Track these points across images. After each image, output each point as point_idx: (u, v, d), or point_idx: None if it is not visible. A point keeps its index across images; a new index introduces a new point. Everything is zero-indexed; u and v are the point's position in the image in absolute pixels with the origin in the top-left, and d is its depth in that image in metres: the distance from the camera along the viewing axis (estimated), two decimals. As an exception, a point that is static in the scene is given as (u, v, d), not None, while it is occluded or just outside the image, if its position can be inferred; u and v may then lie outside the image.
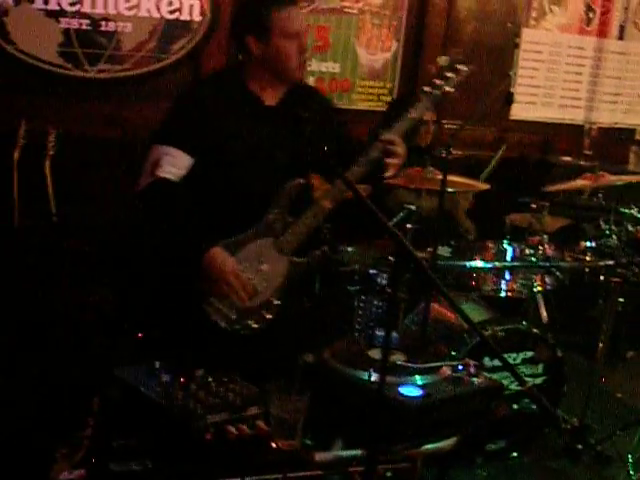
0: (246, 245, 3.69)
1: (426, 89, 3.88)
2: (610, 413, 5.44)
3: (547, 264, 4.99)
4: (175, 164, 3.65)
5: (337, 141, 3.94)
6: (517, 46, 6.50)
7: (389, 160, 3.78)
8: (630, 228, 5.14)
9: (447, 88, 3.90)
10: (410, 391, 3.04)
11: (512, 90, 6.38)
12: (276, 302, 3.70)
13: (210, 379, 2.99)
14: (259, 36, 3.73)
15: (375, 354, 3.26)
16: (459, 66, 3.93)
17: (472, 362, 3.25)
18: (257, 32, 3.73)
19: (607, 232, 5.20)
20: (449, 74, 3.90)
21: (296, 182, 3.75)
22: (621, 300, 5.39)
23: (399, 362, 3.21)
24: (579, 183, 5.30)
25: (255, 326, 3.66)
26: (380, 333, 3.28)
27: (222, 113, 3.76)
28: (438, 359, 3.29)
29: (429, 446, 3.04)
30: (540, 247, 5.02)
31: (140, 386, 2.89)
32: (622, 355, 6.17)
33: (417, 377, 3.13)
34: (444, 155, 4.48)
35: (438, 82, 3.88)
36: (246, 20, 3.80)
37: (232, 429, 2.78)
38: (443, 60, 3.96)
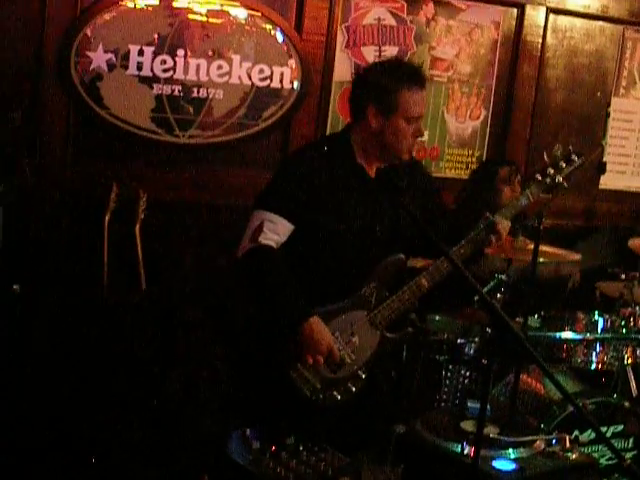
0: (339, 315, 3.65)
1: (538, 177, 3.84)
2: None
3: (638, 336, 4.90)
4: (277, 231, 3.63)
5: (431, 208, 3.93)
6: (608, 115, 6.45)
7: (492, 238, 3.75)
8: None
9: (559, 178, 3.86)
10: (504, 465, 3.01)
11: (604, 160, 6.36)
12: (363, 375, 3.66)
13: (301, 447, 2.98)
14: (381, 110, 3.66)
15: (467, 426, 3.22)
16: (573, 156, 3.89)
17: (567, 436, 3.20)
18: (380, 105, 3.66)
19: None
20: (563, 164, 3.86)
21: (397, 257, 3.72)
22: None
23: (492, 435, 3.17)
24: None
25: (339, 398, 3.62)
26: (472, 404, 3.25)
27: (329, 183, 3.70)
28: (531, 432, 3.24)
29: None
30: (632, 318, 4.93)
31: (233, 454, 2.88)
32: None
33: (511, 451, 3.09)
34: (536, 225, 4.44)
35: (552, 171, 3.84)
36: (373, 89, 3.69)
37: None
38: (557, 149, 3.91)
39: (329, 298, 3.66)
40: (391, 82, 3.66)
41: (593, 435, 4.63)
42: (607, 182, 6.70)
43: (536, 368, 4.95)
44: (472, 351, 4.62)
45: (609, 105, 6.49)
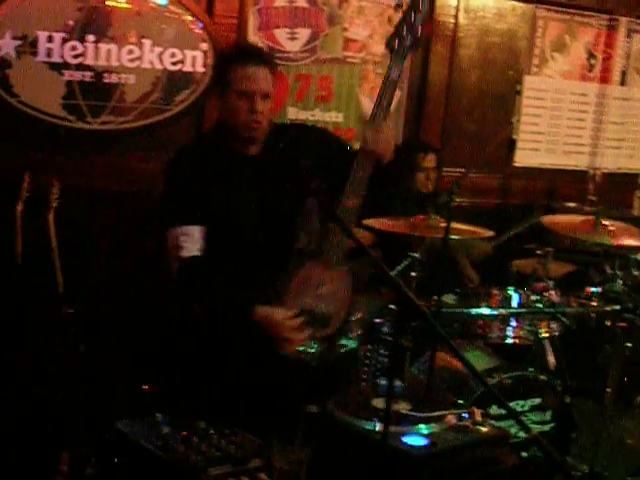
0: (293, 280, 3.65)
1: (397, 43, 3.75)
2: (621, 460, 5.40)
3: (553, 310, 4.96)
4: (193, 239, 3.64)
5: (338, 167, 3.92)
6: (519, 93, 6.51)
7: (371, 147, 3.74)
8: (635, 272, 5.12)
9: (415, 32, 3.76)
10: (415, 440, 3.02)
11: (514, 137, 6.42)
12: (359, 315, 3.67)
13: (212, 431, 2.97)
14: (219, 91, 3.78)
15: (379, 403, 3.23)
16: (420, 4, 3.79)
17: (478, 410, 3.23)
18: (218, 87, 3.79)
19: (612, 277, 5.16)
20: (412, 15, 3.75)
21: (310, 203, 3.73)
22: (629, 345, 5.36)
23: (404, 411, 3.19)
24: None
25: (352, 344, 3.63)
26: (384, 382, 3.26)
27: (212, 175, 3.74)
28: (443, 408, 3.27)
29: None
30: (546, 293, 4.99)
31: (140, 439, 2.87)
32: (631, 400, 6.11)
33: (422, 426, 3.11)
34: (447, 202, 4.46)
35: (404, 31, 3.75)
36: (215, 75, 3.81)
37: (234, 481, 2.75)
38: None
39: (266, 276, 3.65)
40: (225, 62, 3.80)
41: (513, 408, 4.71)
42: (521, 160, 6.78)
43: (455, 345, 5.00)
44: (388, 330, 4.63)
45: (519, 83, 6.55)
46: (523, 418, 4.76)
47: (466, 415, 3.19)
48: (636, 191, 7.05)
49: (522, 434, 4.69)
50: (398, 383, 3.28)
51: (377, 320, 4.66)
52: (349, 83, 6.07)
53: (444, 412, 3.17)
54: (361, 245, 2.79)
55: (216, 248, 3.70)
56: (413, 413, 3.15)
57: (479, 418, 3.18)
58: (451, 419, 3.15)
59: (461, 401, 4.19)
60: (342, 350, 3.65)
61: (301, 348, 3.55)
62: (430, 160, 5.65)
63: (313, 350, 3.56)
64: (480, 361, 4.92)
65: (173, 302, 3.99)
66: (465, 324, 4.99)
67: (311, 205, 3.73)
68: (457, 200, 5.92)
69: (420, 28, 3.79)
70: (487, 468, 3.15)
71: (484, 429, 3.13)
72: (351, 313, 3.72)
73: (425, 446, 2.97)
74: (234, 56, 3.81)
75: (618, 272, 5.18)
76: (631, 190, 7.08)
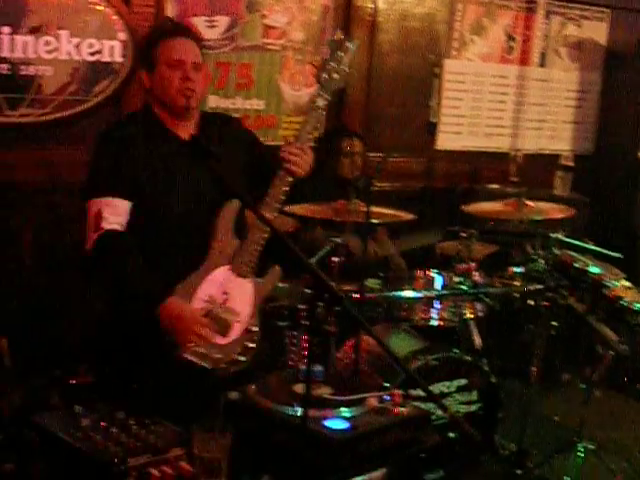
0: (203, 281, 3.63)
1: (324, 76, 3.84)
2: (548, 436, 5.47)
3: (476, 291, 5.01)
4: (117, 212, 3.60)
5: (255, 162, 3.97)
6: (436, 76, 6.54)
7: (294, 169, 3.76)
8: (556, 251, 5.18)
9: (343, 68, 3.85)
10: (336, 424, 3.03)
11: (433, 120, 6.46)
12: (255, 328, 3.66)
13: (131, 421, 2.95)
14: (148, 68, 3.78)
15: (300, 389, 3.23)
16: (347, 44, 3.90)
17: (399, 392, 3.25)
18: (147, 65, 3.79)
19: (534, 257, 5.22)
20: (340, 53, 3.86)
21: (230, 204, 3.72)
22: (554, 324, 5.43)
23: (325, 395, 3.20)
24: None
25: (243, 359, 3.62)
26: (306, 367, 3.26)
27: (144, 152, 3.73)
28: (365, 391, 3.28)
29: (358, 479, 3.02)
30: (469, 274, 5.03)
31: (59, 432, 2.84)
32: (558, 378, 6.20)
33: (343, 410, 3.11)
34: (367, 187, 4.49)
35: (332, 65, 3.84)
36: (140, 56, 3.89)
37: (154, 472, 2.73)
38: (339, 34, 3.95)
39: (185, 267, 3.64)
40: (150, 40, 3.84)
41: (439, 389, 4.74)
42: (443, 143, 6.82)
43: (381, 328, 5.03)
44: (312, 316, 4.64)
45: (437, 66, 6.58)
46: (449, 399, 4.81)
47: (387, 397, 3.20)
48: (557, 171, 7.13)
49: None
50: (319, 368, 3.28)
51: (300, 306, 4.67)
52: (269, 70, 6.06)
53: (365, 395, 3.18)
54: (275, 230, 2.79)
55: (139, 230, 3.67)
56: (334, 397, 3.16)
57: (400, 400, 3.19)
58: (372, 402, 3.16)
59: (388, 384, 4.24)
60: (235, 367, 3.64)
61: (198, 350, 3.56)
62: (356, 145, 5.64)
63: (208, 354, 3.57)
64: (405, 344, 4.95)
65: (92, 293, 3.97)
66: (390, 307, 5.03)
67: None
68: (380, 185, 6.01)
69: (347, 65, 3.88)
70: (408, 449, 3.17)
71: (405, 410, 3.14)
72: (252, 327, 3.71)
73: (345, 429, 2.97)
74: (162, 31, 3.86)
75: (540, 251, 5.24)
76: (552, 170, 7.16)
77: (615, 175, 7.23)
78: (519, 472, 5.09)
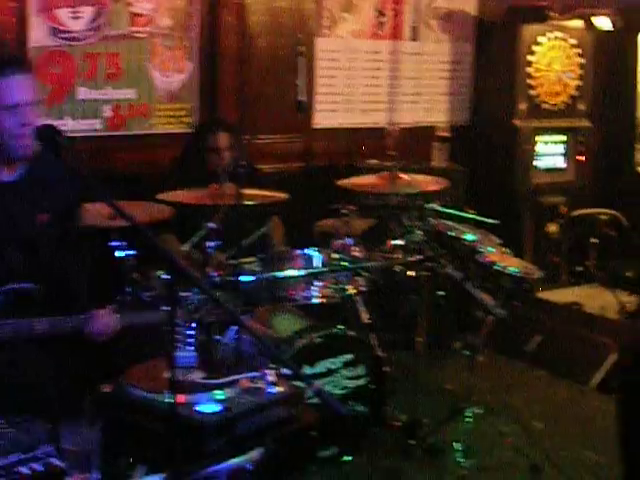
0: None
1: None
2: (438, 405, 5.54)
3: (355, 266, 5.03)
4: None
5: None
6: (301, 55, 6.52)
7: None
8: (433, 221, 5.23)
9: None
10: (208, 407, 3.03)
11: (302, 99, 6.45)
12: None
13: (1, 421, 2.92)
14: None
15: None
16: None
17: (271, 371, 3.25)
18: None
19: (411, 228, 5.27)
20: None
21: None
22: (441, 293, 5.50)
23: (197, 380, 3.20)
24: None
25: None
26: (182, 354, 3.26)
27: None
28: (241, 373, 3.28)
29: (234, 460, 3.02)
30: (347, 250, 5.05)
31: None
32: (448, 347, 6.26)
33: (216, 393, 3.12)
34: (235, 169, 4.48)
35: None
36: None
37: (24, 470, 2.71)
38: None
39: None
40: None
41: (326, 366, 4.76)
42: (320, 121, 6.83)
43: (263, 310, 5.03)
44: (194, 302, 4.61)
45: (302, 45, 6.56)
46: (337, 375, 4.82)
47: (258, 377, 3.21)
48: (434, 143, 7.19)
49: (338, 391, 4.78)
50: (191, 353, 3.28)
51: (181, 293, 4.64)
52: (138, 58, 5.99)
53: (237, 377, 3.18)
54: (133, 222, 2.76)
55: None
56: (206, 381, 3.16)
57: (273, 378, 3.20)
58: (245, 383, 3.17)
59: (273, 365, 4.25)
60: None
61: None
62: (222, 139, 5.57)
63: None
64: (289, 324, 4.95)
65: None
66: (271, 288, 5.02)
67: None
68: (261, 167, 6.00)
69: None
70: (284, 427, 3.18)
71: (279, 389, 3.15)
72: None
73: (218, 412, 2.97)
74: None
75: (417, 223, 5.29)
76: (429, 142, 7.22)
77: (492, 143, 7.32)
78: (412, 442, 5.14)
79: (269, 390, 3.13)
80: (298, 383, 3.29)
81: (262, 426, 3.08)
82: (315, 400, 4.16)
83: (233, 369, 3.34)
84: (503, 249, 5.21)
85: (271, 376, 3.20)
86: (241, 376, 3.18)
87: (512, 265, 5.03)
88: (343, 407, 3.44)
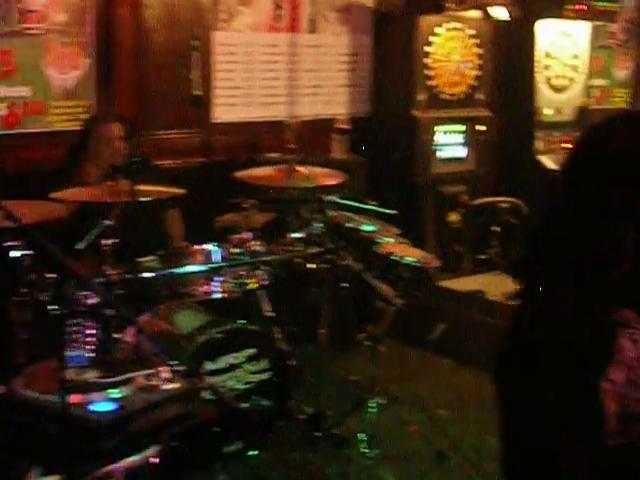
0: None
1: None
2: (344, 396, 5.56)
3: (255, 260, 5.03)
4: None
5: None
6: (196, 49, 6.46)
7: None
8: (331, 213, 5.25)
9: None
10: (103, 407, 3.00)
11: (197, 93, 6.42)
12: None
13: None
14: None
15: (69, 375, 3.18)
16: None
17: (165, 368, 3.23)
18: None
19: (311, 221, 5.28)
20: None
21: None
22: (345, 285, 5.51)
23: (92, 379, 3.16)
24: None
25: None
26: (72, 354, 3.22)
27: None
28: (134, 370, 3.25)
29: (130, 459, 3.00)
30: (247, 244, 5.04)
31: None
32: (352, 338, 6.28)
33: (110, 392, 3.09)
34: (130, 165, 4.44)
35: None
36: None
37: None
38: None
39: None
40: None
41: (229, 361, 4.75)
42: (220, 115, 6.79)
43: (164, 307, 4.99)
44: (91, 302, 4.56)
45: (195, 39, 6.51)
46: (240, 370, 4.82)
47: (153, 375, 3.18)
48: (333, 135, 7.21)
49: (240, 386, 4.77)
50: (84, 353, 3.24)
51: (78, 293, 4.59)
52: (33, 55, 5.88)
53: (132, 375, 3.16)
54: (19, 222, 2.71)
55: None
56: (101, 380, 3.12)
57: (168, 376, 3.18)
58: (140, 381, 3.14)
59: (174, 362, 4.22)
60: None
61: None
62: (112, 129, 5.51)
63: None
64: (190, 320, 4.93)
65: None
66: (171, 285, 4.99)
67: None
68: (160, 162, 5.96)
69: None
70: (181, 424, 3.17)
71: (174, 386, 3.13)
72: None
73: (113, 411, 2.95)
74: None
75: (316, 215, 5.30)
76: (329, 135, 7.24)
77: (392, 134, 7.35)
78: (317, 434, 5.16)
79: (164, 387, 3.11)
80: (193, 380, 3.27)
81: (158, 423, 3.06)
82: (210, 396, 4.21)
83: (129, 367, 3.31)
84: (401, 239, 5.25)
85: (166, 373, 3.17)
86: (136, 374, 3.15)
87: (410, 255, 5.06)
88: (237, 403, 3.42)
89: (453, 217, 7.37)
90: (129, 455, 2.95)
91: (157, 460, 3.09)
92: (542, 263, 2.05)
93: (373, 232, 5.16)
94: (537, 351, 1.91)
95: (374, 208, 5.51)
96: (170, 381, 3.14)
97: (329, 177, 5.41)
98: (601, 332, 1.91)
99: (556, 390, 1.88)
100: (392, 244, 5.10)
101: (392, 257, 4.98)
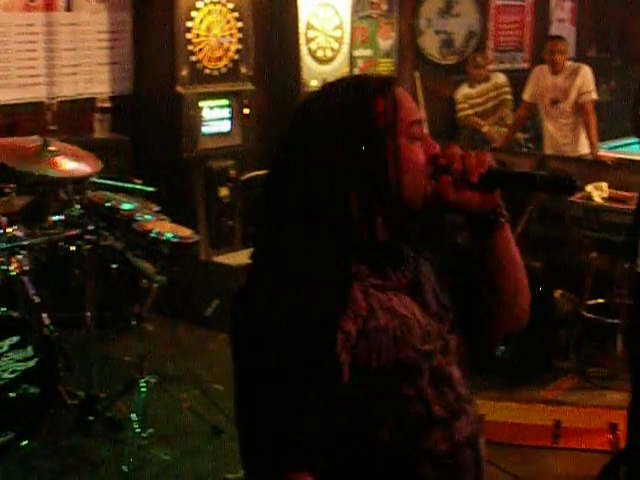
0: None
1: None
2: (116, 378, 5.52)
3: (13, 244, 4.88)
4: None
5: None
6: None
7: None
8: (90, 194, 5.18)
9: None
10: None
11: None
12: None
13: None
14: None
15: None
16: None
17: None
18: None
19: (70, 202, 5.19)
20: None
21: None
22: (114, 265, 5.45)
23: None
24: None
25: None
26: None
27: None
28: None
29: None
30: (3, 229, 4.90)
31: None
32: (120, 318, 6.21)
33: None
34: None
35: None
36: None
37: None
38: None
39: None
40: None
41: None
42: None
43: None
44: None
45: None
46: (4, 359, 4.70)
47: None
48: (95, 114, 7.10)
49: (7, 375, 4.65)
50: None
51: None
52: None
53: None
54: None
55: None
56: None
57: None
58: None
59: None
60: None
61: None
62: None
63: None
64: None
65: None
66: None
67: None
68: None
69: None
70: None
71: None
72: None
73: None
74: None
75: (75, 197, 5.21)
76: (91, 114, 7.12)
77: (156, 111, 7.28)
78: (90, 418, 5.11)
79: None
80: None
81: None
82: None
83: None
84: (162, 216, 5.22)
85: None
86: None
87: (169, 231, 5.03)
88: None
89: (223, 192, 7.38)
90: None
91: None
92: (274, 228, 2.06)
93: (132, 210, 5.10)
94: (269, 308, 1.92)
95: (134, 186, 5.46)
96: None
97: (86, 164, 5.26)
98: (335, 285, 1.94)
99: (291, 347, 1.90)
100: (151, 221, 5.06)
101: (151, 234, 4.94)
